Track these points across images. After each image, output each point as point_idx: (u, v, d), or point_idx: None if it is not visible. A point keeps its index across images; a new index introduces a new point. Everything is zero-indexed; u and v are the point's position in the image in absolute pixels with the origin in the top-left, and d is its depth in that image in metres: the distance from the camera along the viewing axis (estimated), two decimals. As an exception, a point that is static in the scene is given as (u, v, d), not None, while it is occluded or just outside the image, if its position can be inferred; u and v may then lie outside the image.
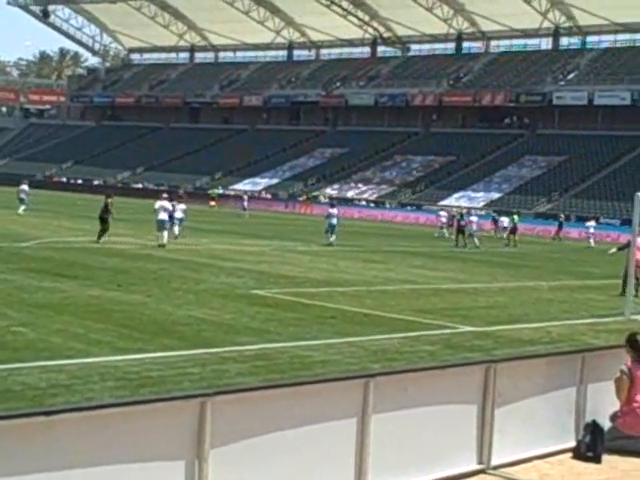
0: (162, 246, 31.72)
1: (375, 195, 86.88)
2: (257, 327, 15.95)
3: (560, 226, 61.26)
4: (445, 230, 54.15)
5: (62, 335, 13.91)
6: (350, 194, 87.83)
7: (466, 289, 24.97)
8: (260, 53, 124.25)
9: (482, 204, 79.09)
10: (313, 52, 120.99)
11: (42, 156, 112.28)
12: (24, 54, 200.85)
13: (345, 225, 58.81)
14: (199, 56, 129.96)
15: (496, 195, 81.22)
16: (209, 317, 16.69)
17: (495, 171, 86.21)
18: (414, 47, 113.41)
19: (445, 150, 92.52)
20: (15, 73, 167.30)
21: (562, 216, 64.64)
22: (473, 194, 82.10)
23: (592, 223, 58.99)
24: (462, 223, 46.48)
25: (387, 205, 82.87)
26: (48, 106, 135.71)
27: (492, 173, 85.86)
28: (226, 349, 13.60)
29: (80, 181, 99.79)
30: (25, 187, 49.20)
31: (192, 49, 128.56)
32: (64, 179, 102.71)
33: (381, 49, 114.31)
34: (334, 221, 39.68)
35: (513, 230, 50.39)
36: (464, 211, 53.45)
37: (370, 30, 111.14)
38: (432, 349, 14.81)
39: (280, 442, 7.21)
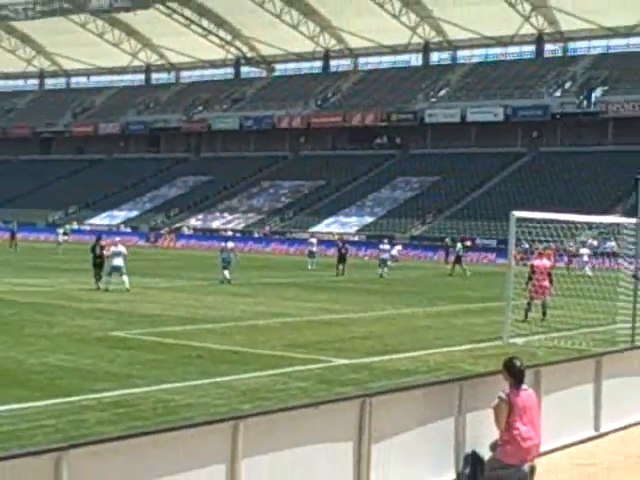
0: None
1: (242, 224, 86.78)
2: (117, 372, 15.73)
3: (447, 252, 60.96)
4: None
5: None
6: (215, 224, 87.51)
7: (340, 320, 25.15)
8: (116, 77, 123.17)
9: (355, 229, 79.85)
10: (173, 75, 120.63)
11: None
12: None
13: (211, 258, 58.57)
14: (49, 82, 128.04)
15: (369, 219, 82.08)
16: (65, 363, 16.39)
17: (367, 194, 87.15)
18: (280, 66, 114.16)
19: (315, 174, 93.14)
20: None
21: (447, 240, 64.81)
22: (345, 219, 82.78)
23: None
24: (343, 251, 46.93)
25: (255, 234, 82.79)
26: None
27: (364, 196, 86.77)
28: (84, 397, 13.37)
29: None
30: None
31: (42, 75, 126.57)
32: None
33: (245, 70, 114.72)
34: (229, 256, 39.17)
35: (458, 259, 50.50)
36: (342, 237, 53.46)
37: (232, 50, 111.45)
38: (305, 385, 14.85)
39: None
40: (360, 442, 8.95)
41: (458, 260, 50.56)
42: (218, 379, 15.16)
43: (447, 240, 64.67)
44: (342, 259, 46.28)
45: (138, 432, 7.76)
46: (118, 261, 32.97)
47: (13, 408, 12.54)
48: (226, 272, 38.44)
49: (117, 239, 36.88)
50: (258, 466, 7.98)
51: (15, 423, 11.70)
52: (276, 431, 8.21)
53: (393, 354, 18.60)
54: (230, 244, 41.01)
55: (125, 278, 32.72)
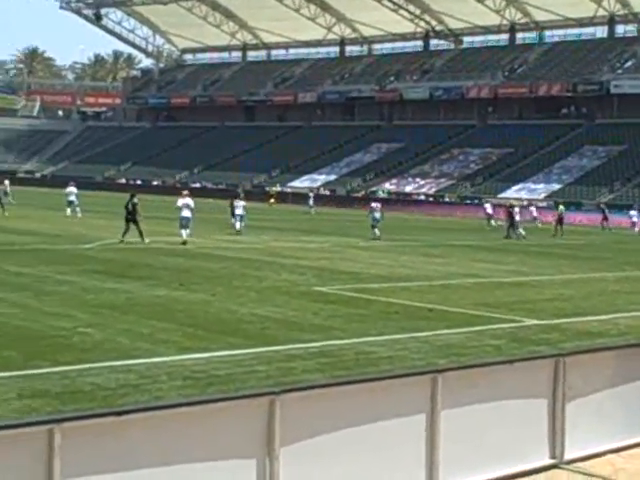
0: (184, 243, 31.58)
1: (434, 189, 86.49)
2: (321, 324, 15.96)
3: (605, 215, 61.27)
4: (492, 221, 55.47)
5: (128, 335, 14.04)
6: (408, 189, 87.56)
7: (530, 282, 24.75)
8: (312, 50, 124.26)
9: (543, 195, 78.33)
10: (365, 47, 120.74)
11: (100, 158, 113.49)
12: (79, 58, 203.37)
13: (404, 220, 58.70)
14: (251, 54, 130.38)
15: (557, 186, 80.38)
16: (273, 315, 16.73)
17: (554, 162, 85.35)
18: (467, 39, 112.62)
19: (503, 142, 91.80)
20: (71, 77, 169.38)
21: (603, 205, 64.37)
22: (533, 186, 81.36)
23: (634, 212, 60.56)
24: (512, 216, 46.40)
25: (446, 199, 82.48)
26: (104, 108, 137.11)
27: (551, 164, 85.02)
28: (291, 346, 13.62)
29: (139, 182, 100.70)
30: (73, 189, 49.30)
31: (244, 48, 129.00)
32: (123, 180, 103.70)
33: (434, 42, 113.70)
34: (377, 215, 39.78)
35: (560, 220, 50.17)
36: (511, 202, 53.09)
37: (422, 24, 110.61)
38: (498, 343, 14.68)
39: (349, 439, 7.19)
40: (554, 400, 8.77)
41: (560, 221, 50.27)
42: (415, 334, 15.16)
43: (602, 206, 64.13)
44: (511, 224, 45.61)
45: (345, 380, 7.84)
46: (186, 213, 32.73)
47: (228, 354, 12.90)
48: (376, 230, 38.83)
49: (185, 192, 36.17)
50: (456, 418, 7.93)
51: (230, 368, 12.03)
52: (473, 385, 8.14)
53: (583, 316, 18.16)
54: (376, 204, 41.67)
55: (188, 231, 32.44)
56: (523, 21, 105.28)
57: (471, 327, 16.19)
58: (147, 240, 31.49)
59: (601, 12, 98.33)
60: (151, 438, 6.20)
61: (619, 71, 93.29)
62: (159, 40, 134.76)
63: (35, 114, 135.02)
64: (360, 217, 54.51)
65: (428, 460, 7.72)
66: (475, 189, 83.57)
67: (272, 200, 75.79)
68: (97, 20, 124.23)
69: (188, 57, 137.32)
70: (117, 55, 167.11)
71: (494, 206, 60.04)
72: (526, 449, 8.56)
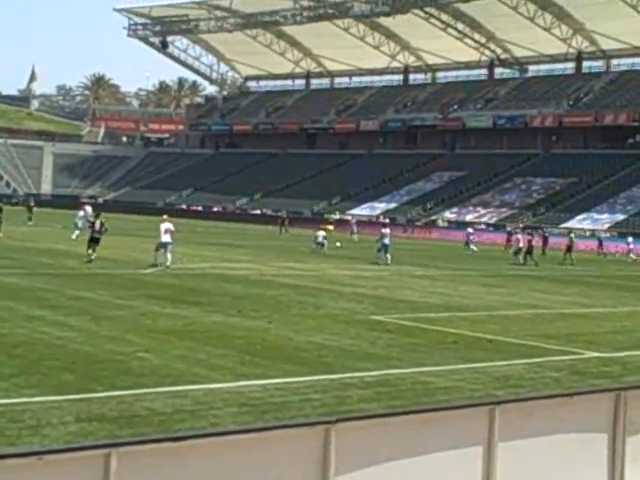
0: (163, 267, 30.95)
1: (495, 218, 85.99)
2: (378, 353, 15.93)
3: (600, 241, 64.29)
4: (472, 246, 56.73)
5: (185, 361, 14.14)
6: (469, 217, 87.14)
7: (590, 313, 24.51)
8: (376, 78, 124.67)
9: (606, 226, 77.49)
10: (429, 75, 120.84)
11: (162, 184, 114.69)
12: (144, 84, 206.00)
13: (462, 248, 58.35)
14: (315, 82, 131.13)
15: (621, 217, 79.45)
16: (329, 343, 16.74)
17: (619, 192, 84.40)
18: (532, 68, 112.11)
19: (566, 172, 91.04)
20: (135, 103, 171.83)
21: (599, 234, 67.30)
22: (597, 216, 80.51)
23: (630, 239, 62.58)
24: (532, 243, 47.56)
25: (507, 229, 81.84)
26: (167, 135, 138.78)
27: (616, 194, 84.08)
28: (347, 375, 13.61)
29: (199, 208, 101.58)
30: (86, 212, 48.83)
31: (308, 75, 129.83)
32: (184, 206, 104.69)
33: (498, 71, 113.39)
34: (387, 241, 40.16)
35: (569, 248, 49.68)
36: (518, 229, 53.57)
37: (487, 52, 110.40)
38: (557, 375, 14.54)
39: (404, 470, 7.15)
40: (614, 435, 8.64)
41: (569, 249, 50.12)
42: (473, 365, 15.08)
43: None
44: (529, 251, 46.39)
45: (402, 410, 7.81)
46: (166, 238, 32.00)
47: (284, 381, 12.93)
48: (387, 255, 39.48)
49: (164, 216, 35.64)
50: (514, 451, 7.85)
51: (285, 395, 12.06)
52: (531, 418, 8.05)
53: (646, 349, 17.96)
54: (386, 230, 41.92)
55: (169, 256, 31.50)
56: (590, 50, 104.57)
57: (530, 359, 16.06)
58: (94, 256, 31.92)
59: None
60: (206, 464, 6.23)
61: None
62: (223, 68, 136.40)
63: (99, 140, 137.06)
64: (417, 245, 54.48)
65: (483, 493, 7.65)
66: (537, 219, 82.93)
67: (330, 227, 75.83)
68: (163, 48, 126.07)
69: (252, 84, 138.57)
70: (182, 82, 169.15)
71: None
72: (584, 484, 8.44)
